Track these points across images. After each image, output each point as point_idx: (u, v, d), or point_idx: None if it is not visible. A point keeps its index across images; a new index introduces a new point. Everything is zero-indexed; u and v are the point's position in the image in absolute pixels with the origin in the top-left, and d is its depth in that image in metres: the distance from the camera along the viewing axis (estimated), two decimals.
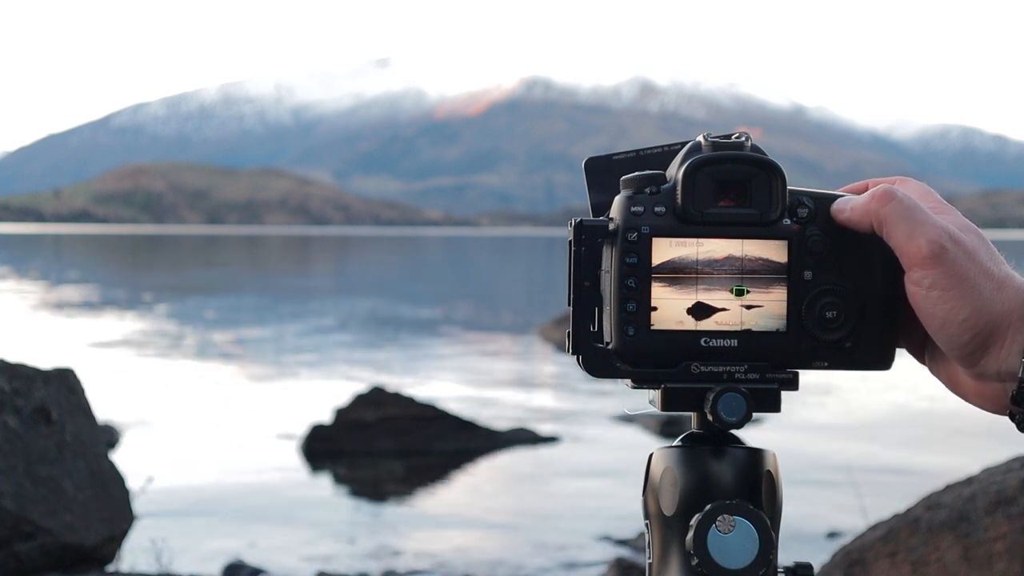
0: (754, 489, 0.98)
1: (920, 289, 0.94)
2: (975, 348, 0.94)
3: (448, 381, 16.33)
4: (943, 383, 1.01)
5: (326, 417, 11.50)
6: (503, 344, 22.24)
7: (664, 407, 1.00)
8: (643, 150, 1.06)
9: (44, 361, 5.97)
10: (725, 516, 0.95)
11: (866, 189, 1.02)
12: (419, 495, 10.03)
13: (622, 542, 8.03)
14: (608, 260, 0.99)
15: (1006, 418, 0.98)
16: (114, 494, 5.82)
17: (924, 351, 1.02)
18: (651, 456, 1.02)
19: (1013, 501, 3.84)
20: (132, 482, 6.33)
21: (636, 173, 1.00)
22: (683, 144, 1.02)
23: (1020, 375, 0.93)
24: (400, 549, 7.99)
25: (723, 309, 0.98)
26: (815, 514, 8.52)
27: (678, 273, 0.98)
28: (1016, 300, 0.93)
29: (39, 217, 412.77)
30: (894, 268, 0.97)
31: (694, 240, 0.98)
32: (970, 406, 1.00)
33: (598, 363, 1.00)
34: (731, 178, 0.98)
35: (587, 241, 0.99)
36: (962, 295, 0.92)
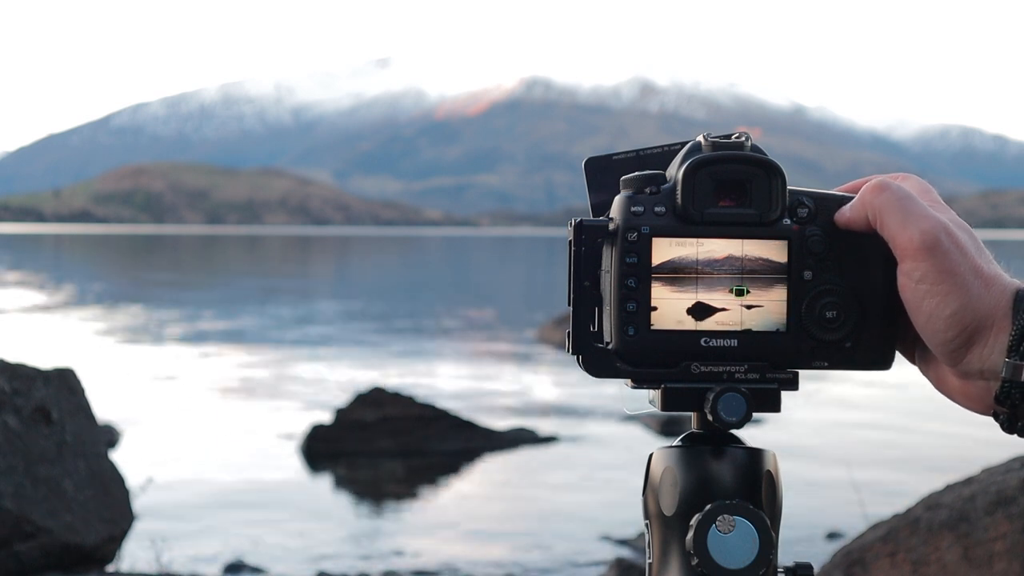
0: (754, 489, 0.98)
1: (910, 281, 0.94)
2: (959, 345, 0.94)
3: (448, 381, 16.33)
4: (931, 383, 1.01)
5: (326, 417, 11.50)
6: (503, 344, 22.24)
7: (664, 407, 1.00)
8: (643, 150, 1.06)
9: (44, 361, 5.97)
10: (725, 516, 0.95)
11: None
12: (419, 495, 10.03)
13: (622, 542, 8.03)
14: (608, 260, 0.99)
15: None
16: (114, 494, 5.82)
17: (915, 350, 1.02)
18: (651, 456, 1.02)
19: (1013, 501, 3.84)
20: (132, 482, 6.33)
21: (636, 173, 1.00)
22: (683, 144, 1.02)
23: (1003, 374, 0.93)
24: (400, 549, 7.99)
25: (723, 309, 0.99)
26: (815, 514, 8.52)
27: (678, 273, 0.98)
28: (1002, 299, 0.93)
29: (39, 217, 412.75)
30: (894, 267, 0.97)
31: (694, 240, 0.98)
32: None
33: (598, 363, 1.00)
34: (731, 178, 0.98)
35: (587, 241, 0.99)
36: (950, 290, 0.93)
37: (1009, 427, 0.96)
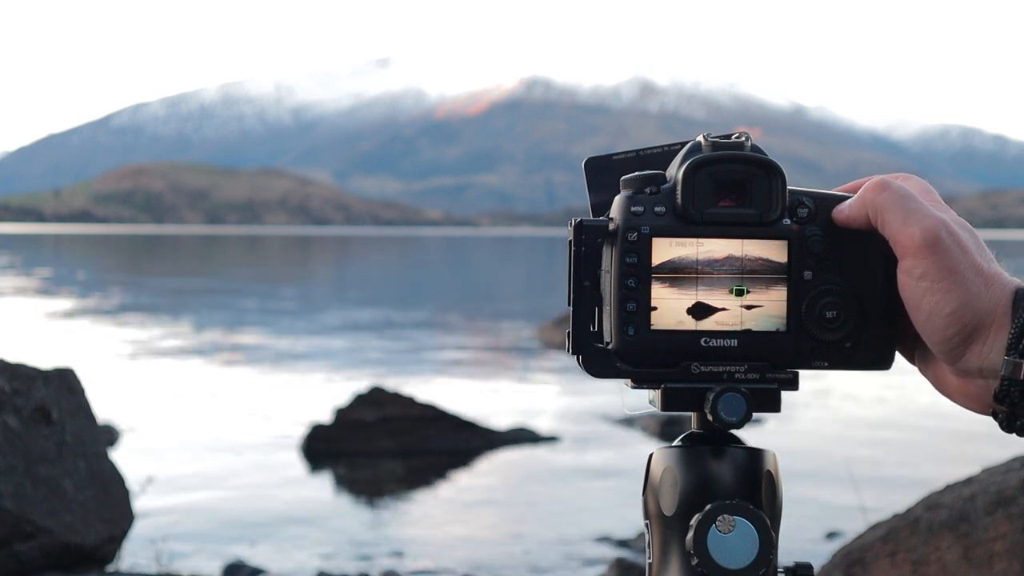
0: (754, 489, 0.98)
1: (910, 279, 0.94)
2: (959, 343, 0.94)
3: (448, 381, 16.33)
4: (930, 383, 1.01)
5: (326, 417, 11.49)
6: (503, 344, 22.24)
7: (664, 407, 1.00)
8: (643, 150, 1.06)
9: (44, 361, 5.97)
10: (725, 516, 0.95)
11: None
12: (419, 495, 10.03)
13: (622, 542, 8.03)
14: (608, 260, 0.99)
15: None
16: (114, 494, 5.82)
17: (915, 350, 1.02)
18: (651, 456, 1.02)
19: (1013, 501, 3.84)
20: (132, 482, 6.34)
21: (636, 173, 1.00)
22: (683, 144, 1.02)
23: (1002, 372, 0.93)
24: (400, 549, 7.99)
25: (723, 309, 0.99)
26: (815, 514, 8.51)
27: (678, 273, 0.98)
28: (1002, 297, 0.93)
29: (39, 217, 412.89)
30: (894, 266, 0.97)
31: (694, 240, 0.98)
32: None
33: (598, 363, 1.00)
34: (731, 178, 0.98)
35: (587, 241, 0.99)
36: (950, 288, 0.93)
37: (1008, 426, 0.96)
